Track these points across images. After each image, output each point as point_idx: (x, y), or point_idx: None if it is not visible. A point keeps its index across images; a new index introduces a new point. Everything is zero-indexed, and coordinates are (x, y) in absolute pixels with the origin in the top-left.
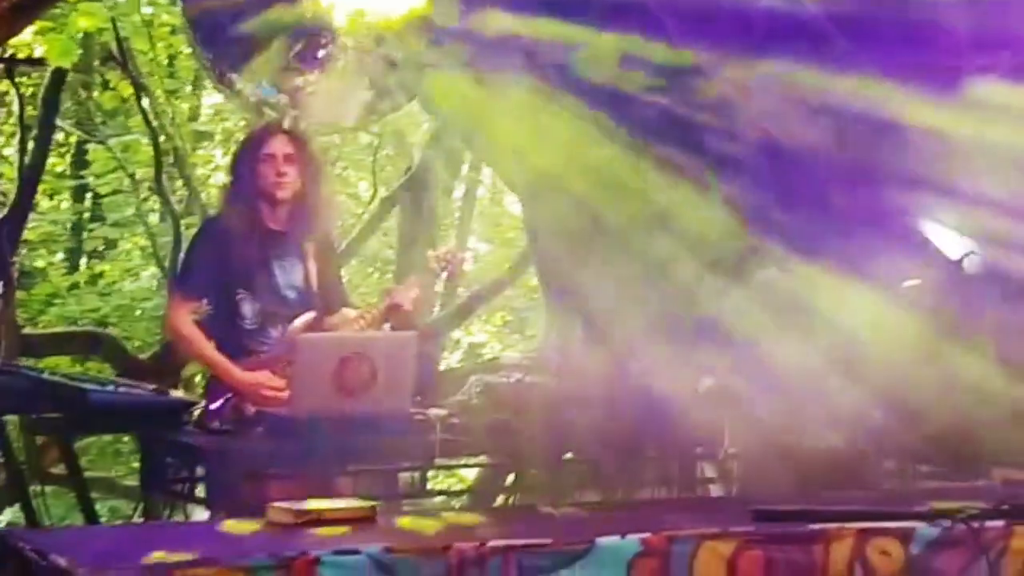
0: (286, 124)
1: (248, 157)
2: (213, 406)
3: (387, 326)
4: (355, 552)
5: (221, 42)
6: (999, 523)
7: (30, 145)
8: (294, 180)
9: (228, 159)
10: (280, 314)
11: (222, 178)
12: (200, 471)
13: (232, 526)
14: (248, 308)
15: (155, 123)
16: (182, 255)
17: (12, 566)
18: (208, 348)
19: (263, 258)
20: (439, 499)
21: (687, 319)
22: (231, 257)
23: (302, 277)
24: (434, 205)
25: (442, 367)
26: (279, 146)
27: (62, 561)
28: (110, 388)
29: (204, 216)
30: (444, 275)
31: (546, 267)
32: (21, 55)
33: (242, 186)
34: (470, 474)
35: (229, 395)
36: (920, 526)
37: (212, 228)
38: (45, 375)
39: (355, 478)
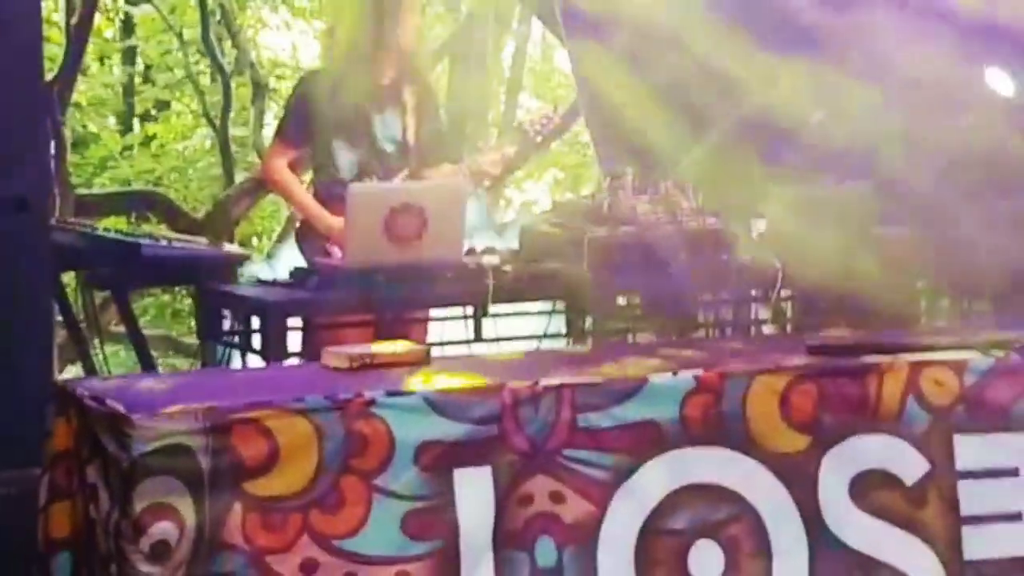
0: None
1: (374, 13)
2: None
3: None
4: (409, 393)
5: None
6: None
7: (76, 7)
8: (409, 30)
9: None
10: (377, 166)
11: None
12: (256, 322)
13: (288, 371)
14: (345, 159)
15: None
16: (287, 104)
17: (73, 414)
18: (301, 192)
19: (364, 109)
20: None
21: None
22: (332, 107)
23: (400, 130)
24: (484, 60)
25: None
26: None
27: (119, 406)
28: (163, 243)
29: (254, 74)
30: (539, 139)
31: (597, 118)
32: None
33: (361, 41)
34: (525, 320)
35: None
36: (974, 356)
37: (316, 79)
38: (100, 231)
39: (409, 325)
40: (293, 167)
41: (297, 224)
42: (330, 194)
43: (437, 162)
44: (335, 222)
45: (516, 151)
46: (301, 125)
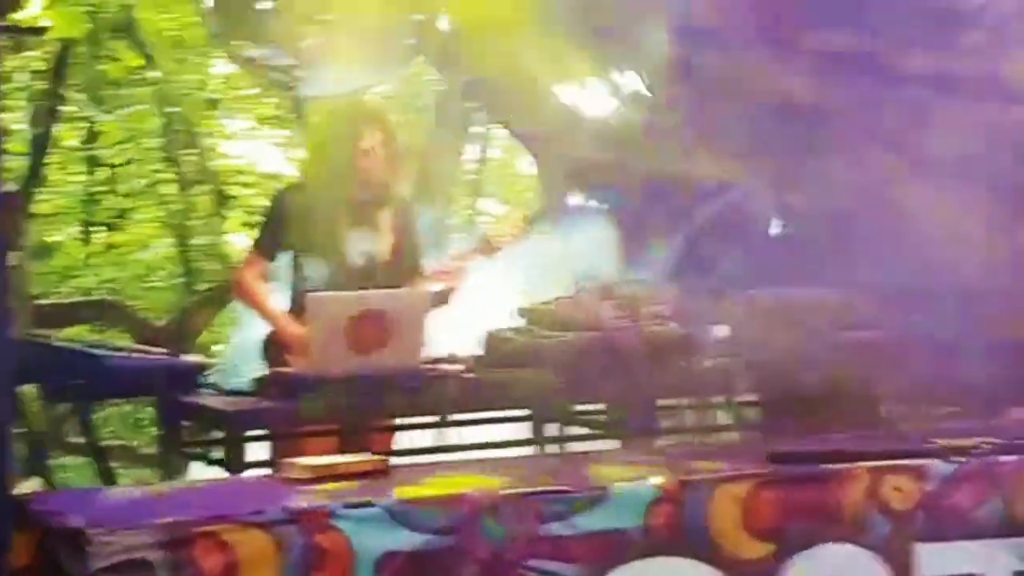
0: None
1: (344, 150)
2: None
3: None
4: (369, 505)
5: (227, 8)
6: (1012, 457)
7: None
8: (385, 163)
9: (310, 139)
10: (347, 280)
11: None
12: (217, 433)
13: (248, 483)
14: (316, 272)
15: (164, 92)
16: (263, 219)
17: (32, 529)
18: (269, 303)
19: (337, 225)
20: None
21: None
22: (306, 222)
23: (374, 247)
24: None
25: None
26: (375, 139)
27: (77, 521)
28: (125, 354)
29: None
30: (505, 249)
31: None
32: (29, 26)
33: (335, 170)
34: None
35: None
36: (934, 463)
37: (293, 194)
38: (60, 343)
39: (371, 435)
40: (264, 276)
41: (265, 335)
42: (300, 307)
43: (411, 280)
44: (297, 330)
45: (480, 260)
46: (276, 237)
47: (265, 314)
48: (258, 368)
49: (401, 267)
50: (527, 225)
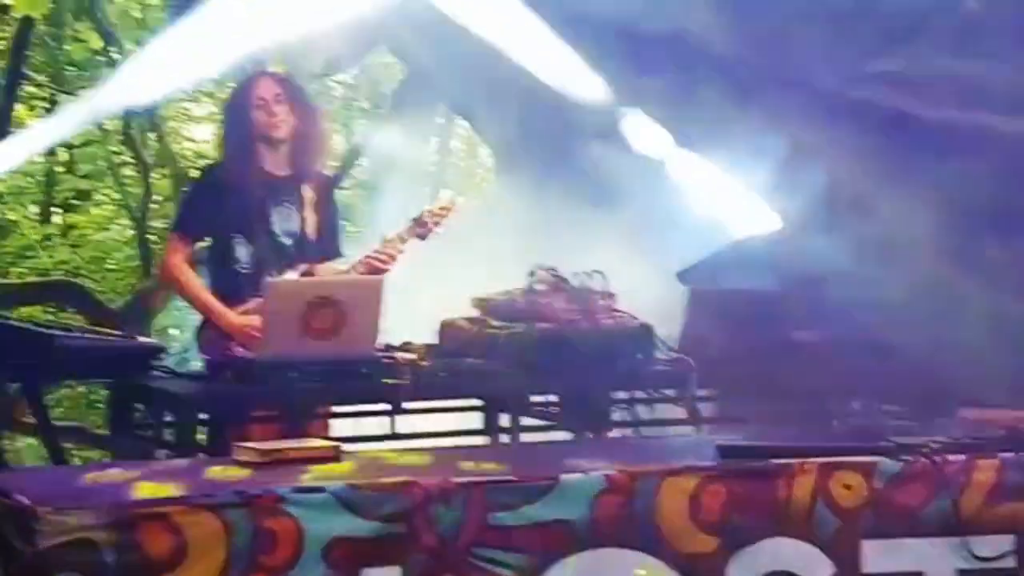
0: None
1: (240, 105)
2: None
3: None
4: (319, 490)
5: None
6: (961, 457)
7: None
8: (287, 119)
9: (221, 111)
10: (275, 260)
11: (208, 129)
12: (168, 416)
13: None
14: (243, 253)
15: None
16: (182, 199)
17: None
18: (202, 291)
19: (261, 203)
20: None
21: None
22: (229, 202)
23: (299, 224)
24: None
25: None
26: (267, 88)
27: (25, 500)
28: (78, 335)
29: (174, 166)
30: (437, 230)
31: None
32: None
33: (237, 133)
34: (441, 417)
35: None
36: (883, 460)
37: (211, 173)
38: (13, 322)
39: (323, 422)
40: (191, 261)
41: (199, 323)
42: (228, 289)
43: (335, 256)
44: (236, 320)
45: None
46: (199, 219)
47: (200, 303)
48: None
49: (324, 246)
50: (458, 207)
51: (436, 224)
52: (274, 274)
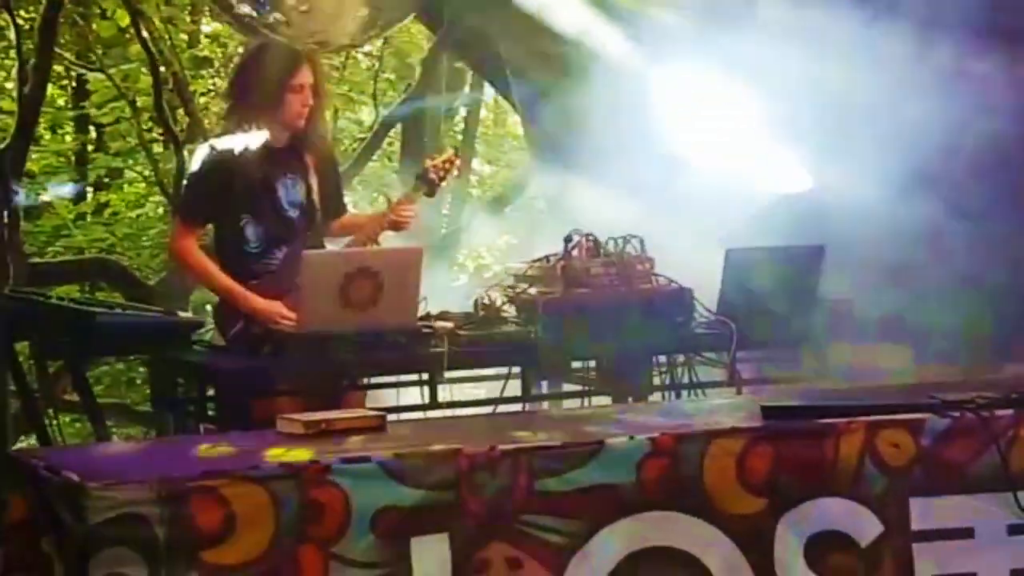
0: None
1: (276, 85)
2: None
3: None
4: (365, 460)
5: None
6: (1008, 412)
7: (28, 76)
8: (312, 107)
9: (231, 79)
10: (285, 233)
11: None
12: (210, 390)
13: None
14: (252, 231)
15: (154, 51)
16: (184, 181)
17: (27, 485)
18: (219, 275)
19: (266, 179)
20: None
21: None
22: (234, 181)
23: (304, 192)
24: (436, 125)
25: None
26: (306, 76)
27: (74, 476)
28: (117, 311)
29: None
30: (443, 184)
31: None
32: None
33: (255, 108)
34: (480, 385)
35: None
36: (930, 417)
37: (213, 152)
38: (53, 300)
39: (365, 392)
40: (200, 243)
41: (216, 302)
42: (239, 269)
43: (337, 216)
44: (259, 304)
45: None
46: (204, 203)
47: (219, 287)
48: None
49: (330, 211)
50: (460, 159)
51: (441, 179)
52: (283, 248)
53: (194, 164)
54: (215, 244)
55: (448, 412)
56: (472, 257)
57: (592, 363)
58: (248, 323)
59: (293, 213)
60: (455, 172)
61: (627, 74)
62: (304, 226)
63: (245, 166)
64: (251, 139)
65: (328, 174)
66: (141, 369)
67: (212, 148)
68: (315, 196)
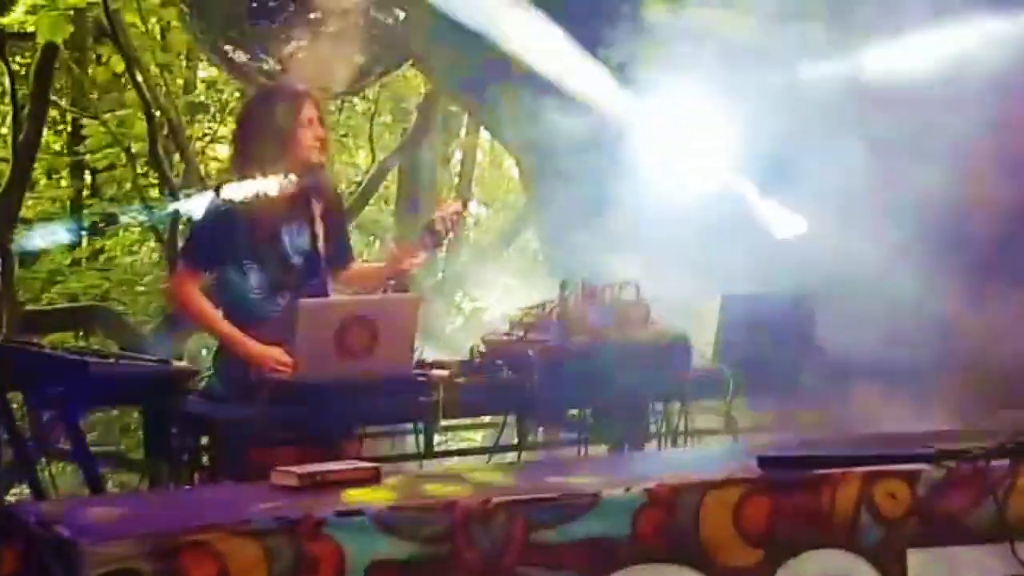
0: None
1: (287, 122)
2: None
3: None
4: (359, 513)
5: (211, 12)
6: (1004, 462)
7: (23, 123)
8: (320, 144)
9: (238, 126)
10: (289, 280)
11: (226, 149)
12: (204, 440)
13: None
14: (256, 278)
15: (149, 97)
16: (189, 226)
17: (19, 539)
18: (219, 321)
19: (271, 226)
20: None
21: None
22: (238, 228)
23: (309, 240)
24: (432, 169)
25: (446, 331)
26: (312, 111)
27: (66, 532)
28: (112, 360)
29: (202, 188)
30: (450, 236)
31: (547, 229)
32: (12, 32)
33: (264, 151)
34: (476, 433)
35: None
36: (926, 467)
37: (219, 198)
38: (47, 350)
39: (360, 441)
40: (203, 289)
41: (215, 348)
42: (242, 315)
43: (347, 264)
44: (256, 349)
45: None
46: (208, 249)
47: (217, 332)
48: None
49: (335, 257)
50: (466, 211)
51: (448, 231)
52: (286, 296)
53: (199, 210)
54: (218, 288)
55: (444, 461)
56: (468, 299)
57: (588, 411)
58: (246, 369)
59: (297, 260)
60: (462, 223)
61: (622, 122)
62: (308, 273)
63: (250, 213)
64: (257, 186)
65: (335, 222)
66: (135, 415)
67: (218, 194)
68: (320, 244)
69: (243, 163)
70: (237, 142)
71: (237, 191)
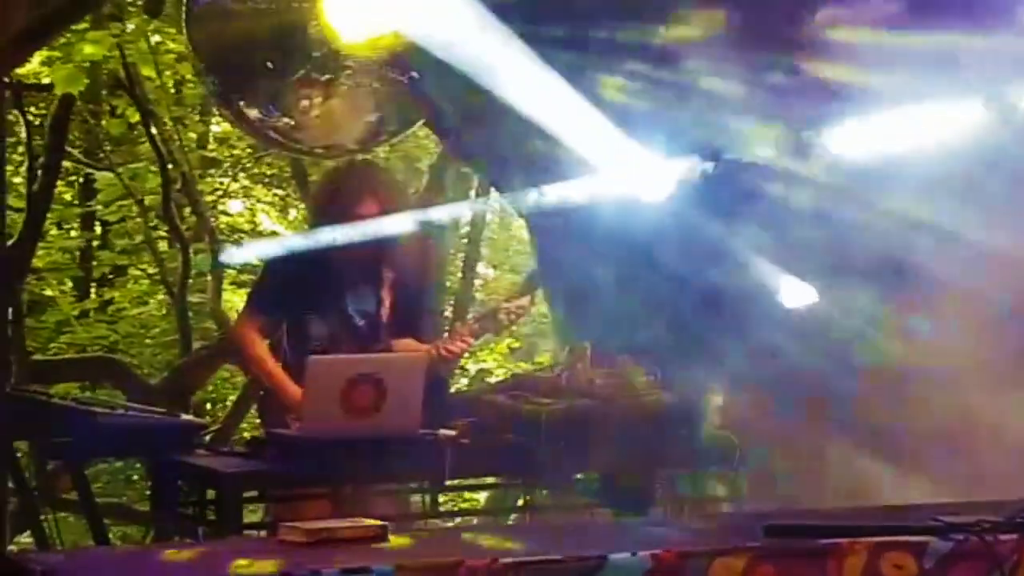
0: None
1: (343, 215)
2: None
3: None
4: (367, 571)
5: (226, 68)
6: (1013, 536)
7: (38, 174)
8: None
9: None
10: (348, 338)
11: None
12: (211, 494)
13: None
14: (316, 330)
15: (164, 150)
16: (259, 274)
17: None
18: (271, 363)
19: (336, 283)
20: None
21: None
22: (307, 279)
23: (374, 304)
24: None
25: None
26: (371, 208)
27: None
28: (119, 412)
29: (212, 243)
30: (512, 328)
31: (556, 291)
32: (29, 83)
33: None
34: (482, 495)
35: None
36: (933, 540)
37: (294, 246)
38: (54, 400)
39: (365, 499)
40: (263, 332)
41: (261, 393)
42: (297, 364)
43: (408, 335)
44: (295, 393)
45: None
46: (274, 295)
47: (268, 375)
48: (254, 428)
49: (398, 325)
50: (533, 303)
51: (511, 322)
52: (344, 353)
53: (274, 256)
54: (285, 338)
55: (449, 521)
56: (474, 360)
57: (595, 475)
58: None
59: (360, 321)
60: (523, 316)
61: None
62: (369, 335)
63: (320, 266)
64: (329, 240)
65: (408, 292)
66: (139, 466)
67: (294, 242)
68: (384, 310)
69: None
70: (312, 212)
71: (312, 241)
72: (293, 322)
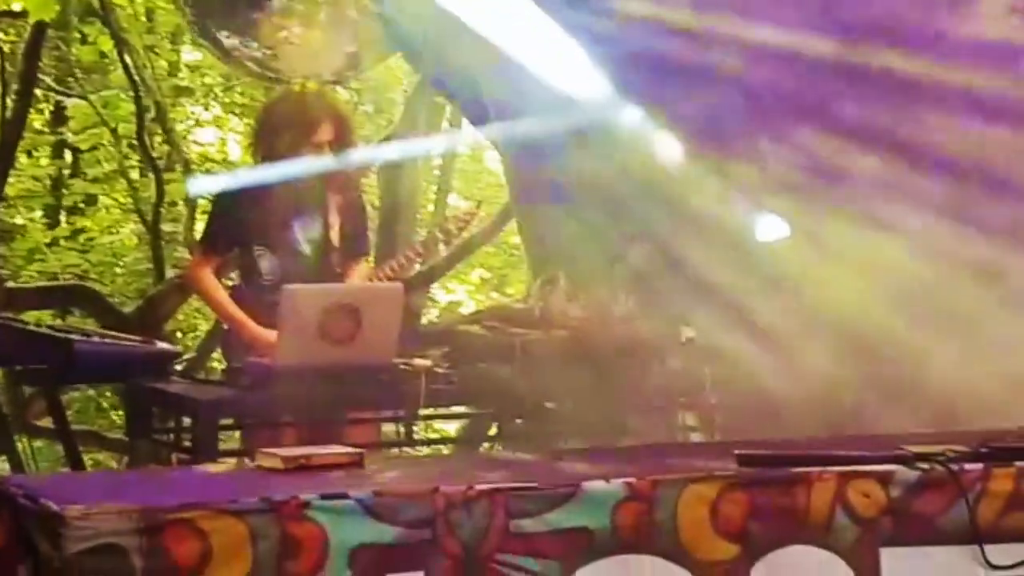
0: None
1: (294, 145)
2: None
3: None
4: (343, 496)
5: None
6: (978, 465)
7: (7, 101)
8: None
9: (254, 130)
10: (298, 268)
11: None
12: (186, 420)
13: (220, 471)
14: (266, 264)
15: (137, 77)
16: (209, 212)
17: (5, 512)
18: (228, 304)
19: (284, 214)
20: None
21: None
22: (252, 214)
23: (321, 231)
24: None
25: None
26: (326, 134)
27: (53, 505)
28: (95, 339)
29: (185, 171)
30: (461, 236)
31: (528, 222)
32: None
33: (275, 149)
34: (455, 424)
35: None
36: (900, 469)
37: (235, 183)
38: (30, 326)
39: (341, 427)
40: (217, 272)
41: (224, 328)
42: (253, 299)
43: (359, 257)
44: (259, 332)
45: (439, 248)
46: (224, 232)
47: (223, 315)
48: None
49: (349, 251)
50: (480, 215)
51: (460, 231)
52: (295, 283)
53: (217, 194)
54: (236, 272)
55: (424, 449)
56: (445, 291)
57: (568, 404)
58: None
59: (307, 249)
60: (471, 224)
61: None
62: (319, 263)
63: (264, 200)
64: (271, 173)
65: (351, 215)
66: (109, 395)
67: (235, 178)
68: (333, 235)
69: (259, 155)
70: (253, 138)
71: (253, 176)
72: (244, 258)
